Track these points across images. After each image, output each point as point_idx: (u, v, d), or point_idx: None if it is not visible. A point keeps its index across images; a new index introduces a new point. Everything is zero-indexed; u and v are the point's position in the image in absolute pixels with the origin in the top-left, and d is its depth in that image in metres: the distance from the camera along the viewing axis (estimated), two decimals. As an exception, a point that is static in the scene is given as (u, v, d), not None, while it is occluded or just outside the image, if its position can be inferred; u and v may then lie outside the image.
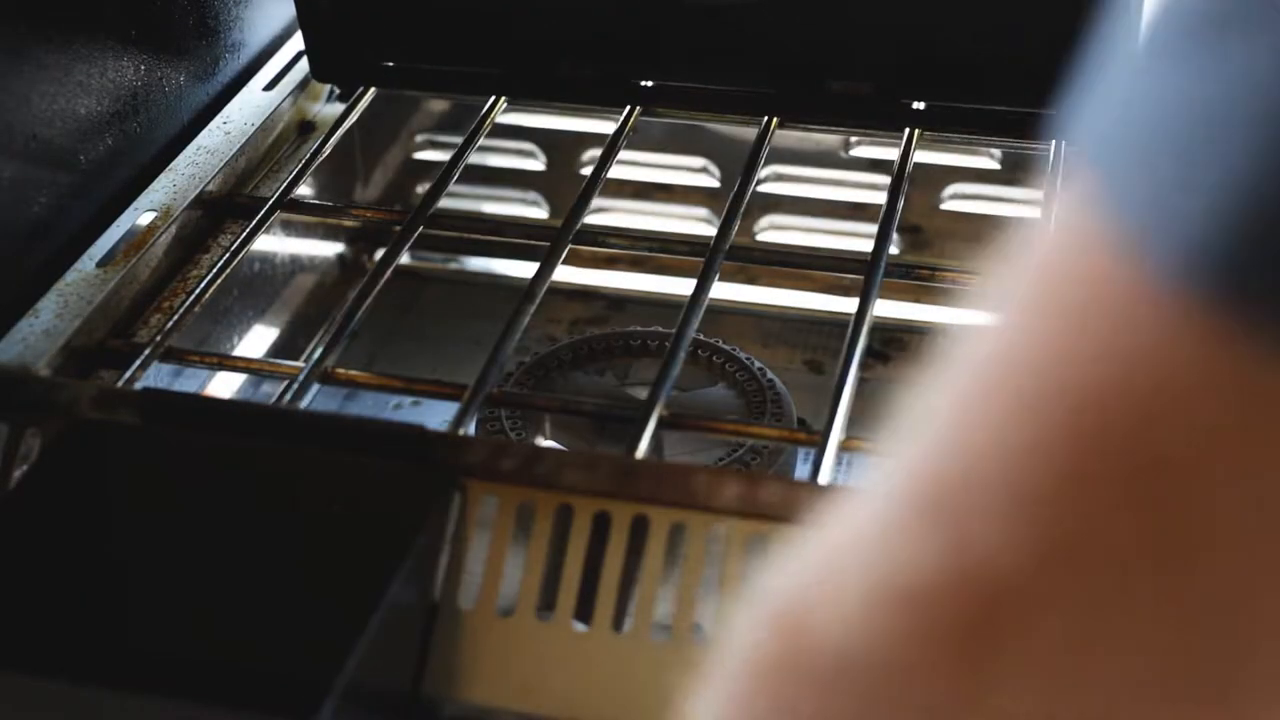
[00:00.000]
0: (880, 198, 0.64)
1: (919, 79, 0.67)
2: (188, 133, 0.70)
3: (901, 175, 0.65)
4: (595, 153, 0.81)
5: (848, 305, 0.59)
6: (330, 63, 0.73)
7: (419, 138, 0.86)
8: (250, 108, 0.72)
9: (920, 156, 0.68)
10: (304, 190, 0.68)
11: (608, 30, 0.69)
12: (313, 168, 0.68)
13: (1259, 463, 0.22)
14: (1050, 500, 0.23)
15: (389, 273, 0.61)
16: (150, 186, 0.66)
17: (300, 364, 0.57)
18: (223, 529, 0.47)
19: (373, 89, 0.73)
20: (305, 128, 0.74)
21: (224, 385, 0.71)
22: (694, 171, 0.83)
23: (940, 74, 0.66)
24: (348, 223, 0.81)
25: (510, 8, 0.69)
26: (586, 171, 0.77)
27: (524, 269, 0.82)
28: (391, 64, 0.72)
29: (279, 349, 0.76)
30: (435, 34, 0.71)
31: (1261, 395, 0.21)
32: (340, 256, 0.84)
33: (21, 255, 0.62)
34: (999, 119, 0.67)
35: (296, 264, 0.79)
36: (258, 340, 0.75)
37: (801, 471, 0.67)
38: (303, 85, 0.74)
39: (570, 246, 0.63)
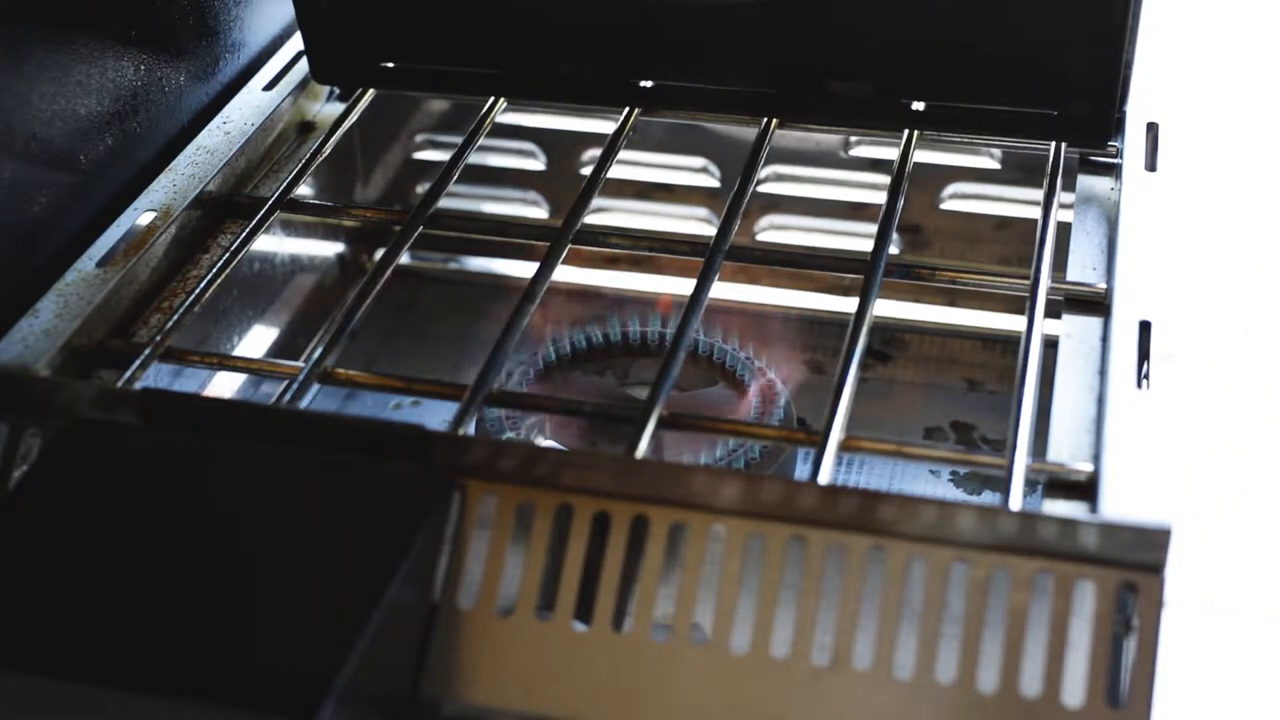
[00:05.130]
0: (880, 198, 0.64)
1: (919, 79, 0.67)
2: (188, 133, 0.70)
3: (901, 175, 0.65)
4: (595, 153, 0.81)
5: (848, 305, 0.59)
6: (330, 64, 0.73)
7: (419, 138, 0.86)
8: (250, 108, 0.72)
9: (920, 156, 0.68)
10: (304, 190, 0.68)
11: (608, 31, 0.69)
12: (313, 168, 0.68)
13: None
14: None
15: (389, 273, 0.61)
16: (150, 186, 0.66)
17: (300, 364, 0.57)
18: (222, 529, 0.47)
19: (373, 89, 0.73)
20: (305, 128, 0.74)
21: (224, 385, 0.71)
22: (694, 171, 0.83)
23: (940, 74, 0.66)
24: (348, 223, 0.81)
25: (510, 8, 0.69)
26: (586, 171, 0.77)
27: (524, 269, 0.82)
28: (391, 65, 0.72)
29: (279, 349, 0.76)
30: (435, 34, 0.71)
31: None
32: (340, 256, 0.84)
33: (21, 255, 0.62)
34: (999, 119, 0.67)
35: (296, 264, 0.79)
36: (258, 340, 0.75)
37: (801, 471, 0.67)
38: (303, 85, 0.74)
39: (570, 246, 0.63)
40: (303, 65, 0.75)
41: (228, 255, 0.63)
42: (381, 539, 0.46)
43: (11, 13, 0.60)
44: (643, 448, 0.52)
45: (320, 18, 0.71)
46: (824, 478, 0.51)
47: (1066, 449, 0.53)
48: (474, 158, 0.69)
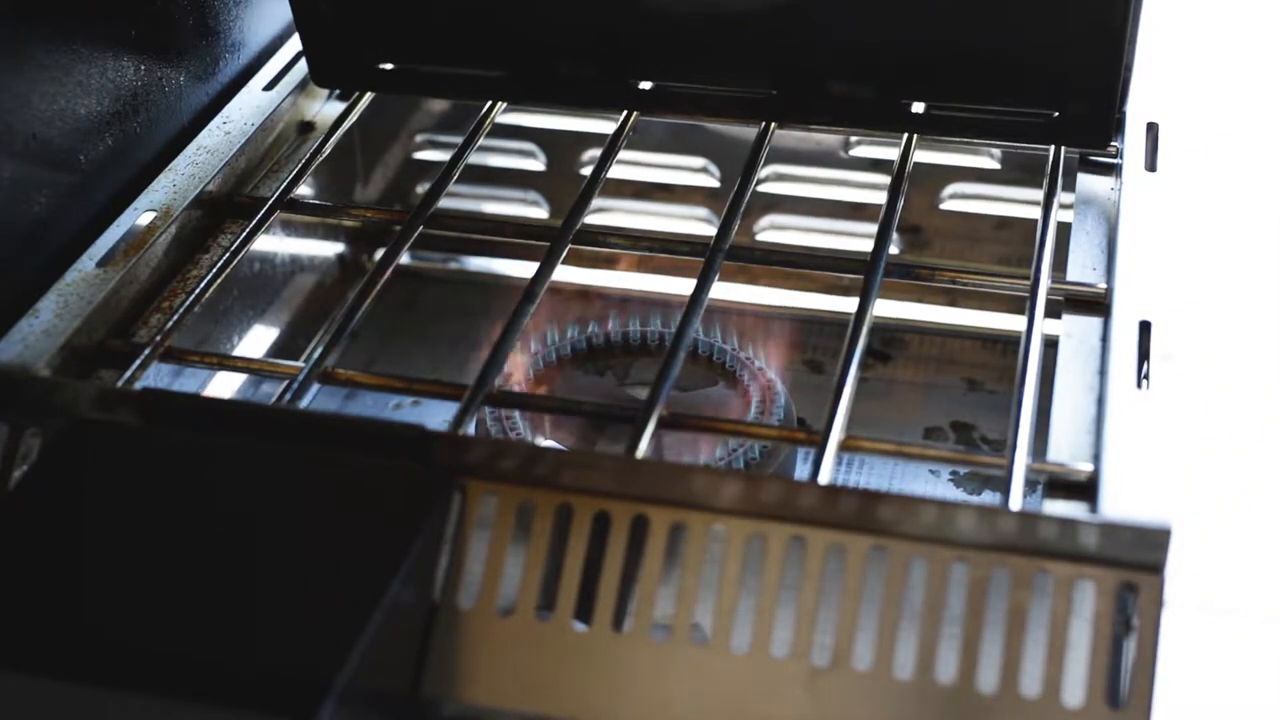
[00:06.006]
0: (880, 198, 0.64)
1: (919, 80, 0.67)
2: (188, 133, 0.70)
3: (901, 175, 0.65)
4: (595, 153, 0.81)
5: (848, 305, 0.59)
6: (329, 67, 0.73)
7: (419, 138, 0.86)
8: (250, 108, 0.72)
9: (920, 156, 0.68)
10: (304, 190, 0.68)
11: (607, 33, 0.69)
12: (313, 168, 0.68)
13: None
14: None
15: (389, 273, 0.61)
16: (150, 186, 0.66)
17: (300, 364, 0.57)
18: (222, 529, 0.47)
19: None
20: (305, 128, 0.74)
21: (224, 385, 0.71)
22: (694, 171, 0.83)
23: (941, 75, 0.66)
24: (348, 223, 0.81)
25: (509, 9, 0.69)
26: (586, 171, 0.77)
27: (524, 269, 0.82)
28: (390, 67, 0.72)
29: (279, 349, 0.76)
30: (434, 37, 0.71)
31: None
32: (340, 256, 0.84)
33: (21, 255, 0.62)
34: (999, 123, 0.67)
35: (296, 264, 0.79)
36: (258, 340, 0.75)
37: (801, 471, 0.67)
38: (303, 85, 0.74)
39: (570, 246, 0.63)
40: (303, 65, 0.74)
41: (228, 255, 0.63)
42: (381, 539, 0.46)
43: (11, 13, 0.60)
44: (643, 448, 0.52)
45: (319, 20, 0.71)
46: (824, 478, 0.51)
47: (1066, 449, 0.53)
48: (474, 158, 0.69)
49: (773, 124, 0.68)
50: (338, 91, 0.76)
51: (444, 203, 0.66)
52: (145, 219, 0.64)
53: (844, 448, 0.53)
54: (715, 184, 0.83)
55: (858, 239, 0.82)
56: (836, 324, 0.81)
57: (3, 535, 0.47)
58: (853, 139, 0.80)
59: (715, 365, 0.69)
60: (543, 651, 0.47)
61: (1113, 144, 0.67)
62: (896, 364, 0.81)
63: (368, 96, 0.73)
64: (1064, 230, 0.64)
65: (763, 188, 0.82)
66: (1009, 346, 0.80)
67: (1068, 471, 0.52)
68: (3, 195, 0.60)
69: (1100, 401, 0.55)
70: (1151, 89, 0.70)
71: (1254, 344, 0.74)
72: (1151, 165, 0.66)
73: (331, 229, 0.82)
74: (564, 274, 0.64)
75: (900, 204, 0.64)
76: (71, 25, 0.63)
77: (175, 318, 0.60)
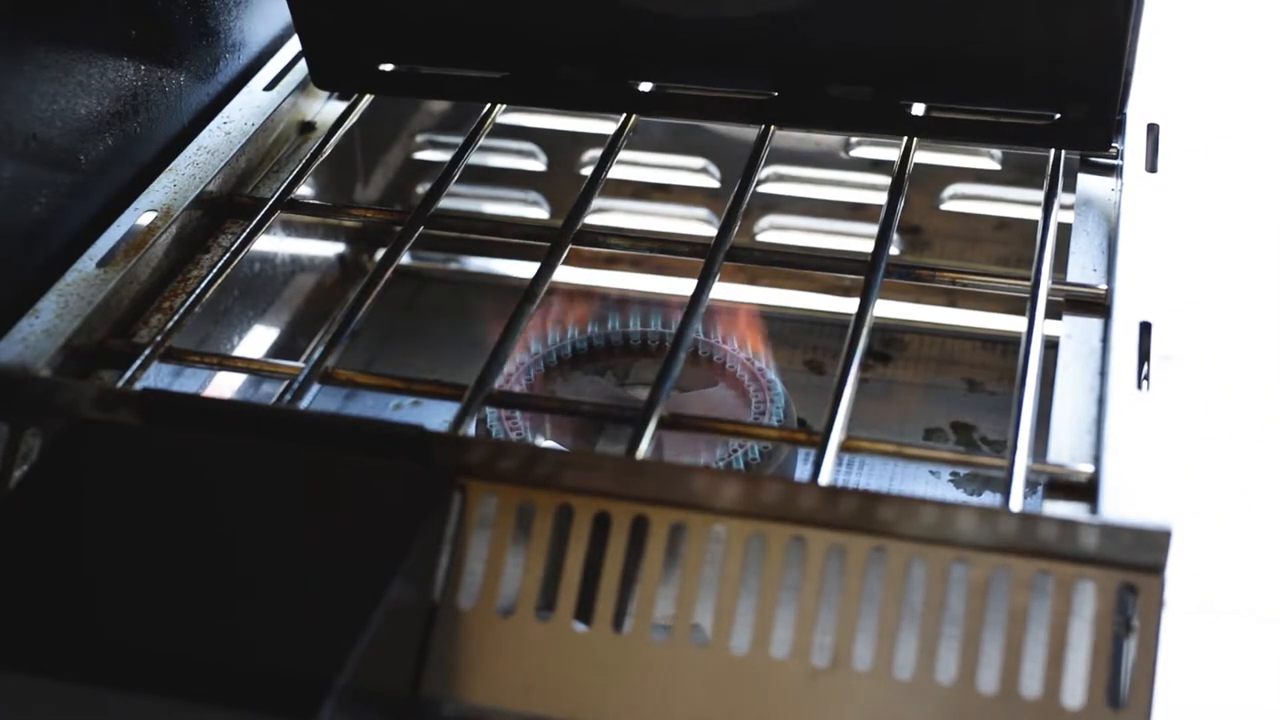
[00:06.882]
0: (880, 198, 0.64)
1: (919, 82, 0.67)
2: (188, 133, 0.70)
3: (901, 176, 0.65)
4: (595, 153, 0.82)
5: (848, 305, 0.59)
6: (329, 69, 0.73)
7: (419, 138, 0.86)
8: (250, 108, 0.72)
9: (920, 156, 0.68)
10: (304, 190, 0.68)
11: (607, 35, 0.69)
12: (313, 168, 0.68)
13: None
14: None
15: (389, 273, 0.61)
16: (150, 186, 0.66)
17: (300, 364, 0.57)
18: (223, 529, 0.47)
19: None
20: (305, 128, 0.74)
21: (224, 385, 0.71)
22: (694, 171, 0.84)
23: (941, 77, 0.66)
24: (348, 223, 0.81)
25: (509, 12, 0.69)
26: (586, 171, 0.77)
27: (524, 269, 0.82)
28: (390, 69, 0.72)
29: (279, 349, 0.76)
30: (434, 39, 0.71)
31: None
32: (340, 256, 0.84)
33: (21, 255, 0.62)
34: (999, 127, 0.66)
35: (296, 264, 0.79)
36: (258, 340, 0.75)
37: (801, 471, 0.67)
38: (303, 85, 0.74)
39: (570, 246, 0.63)
40: (303, 65, 0.74)
41: (228, 255, 0.63)
42: (381, 539, 0.46)
43: (11, 13, 0.60)
44: (643, 448, 0.52)
45: (318, 22, 0.71)
46: (824, 478, 0.51)
47: (1067, 450, 0.53)
48: (474, 158, 0.69)
49: (772, 127, 0.68)
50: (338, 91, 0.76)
51: (444, 203, 0.66)
52: (145, 219, 0.64)
53: (844, 448, 0.53)
54: (715, 184, 0.83)
55: (858, 239, 0.82)
56: (836, 324, 0.81)
57: (3, 535, 0.47)
58: (853, 139, 0.80)
59: (715, 365, 0.69)
60: (543, 651, 0.47)
61: (1113, 145, 0.67)
62: (897, 364, 0.81)
63: (368, 97, 0.73)
64: (1064, 231, 0.64)
65: (763, 188, 0.82)
66: (1009, 347, 0.80)
67: (1068, 472, 0.52)
68: (3, 195, 0.60)
69: (1100, 402, 0.55)
70: (1152, 90, 0.70)
71: (1254, 344, 0.74)
72: (1152, 166, 0.66)
73: (331, 229, 0.82)
74: (564, 274, 0.64)
75: (900, 205, 0.64)
76: (71, 25, 0.63)
77: (175, 318, 0.60)
